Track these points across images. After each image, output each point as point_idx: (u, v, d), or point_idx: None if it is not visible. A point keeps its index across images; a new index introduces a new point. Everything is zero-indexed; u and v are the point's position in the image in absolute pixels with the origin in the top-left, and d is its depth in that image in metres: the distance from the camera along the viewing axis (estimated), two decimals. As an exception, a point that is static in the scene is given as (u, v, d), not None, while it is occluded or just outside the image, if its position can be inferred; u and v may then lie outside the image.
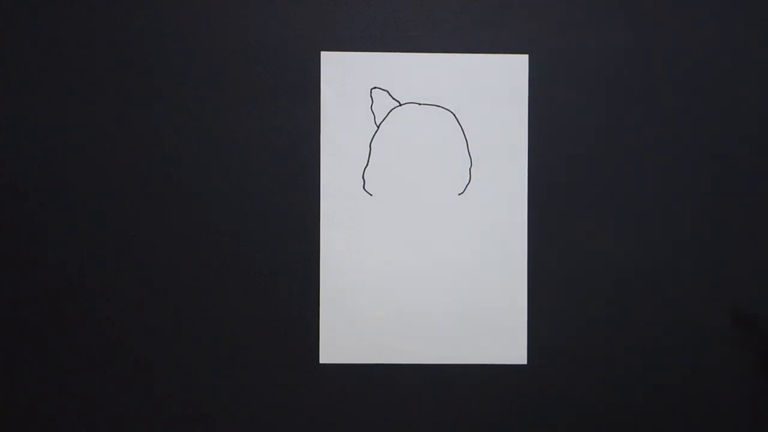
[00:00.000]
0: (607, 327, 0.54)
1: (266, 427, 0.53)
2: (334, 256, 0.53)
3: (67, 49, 0.53)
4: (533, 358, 0.54)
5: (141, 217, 0.53)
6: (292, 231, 0.53)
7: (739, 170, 0.54)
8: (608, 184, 0.53)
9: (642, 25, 0.54)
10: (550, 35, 0.54)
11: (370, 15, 0.54)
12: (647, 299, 0.53)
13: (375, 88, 0.53)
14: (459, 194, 0.54)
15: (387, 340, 0.53)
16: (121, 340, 0.53)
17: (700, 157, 0.54)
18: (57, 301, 0.53)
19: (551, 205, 0.52)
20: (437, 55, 0.53)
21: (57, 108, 0.53)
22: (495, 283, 0.54)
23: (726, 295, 0.53)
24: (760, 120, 0.54)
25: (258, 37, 0.53)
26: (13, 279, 0.53)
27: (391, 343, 0.53)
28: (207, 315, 0.53)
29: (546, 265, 0.54)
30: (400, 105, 0.54)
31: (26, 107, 0.53)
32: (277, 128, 0.53)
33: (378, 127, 0.54)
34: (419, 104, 0.54)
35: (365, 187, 0.54)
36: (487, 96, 0.53)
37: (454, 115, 0.54)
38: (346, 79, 0.53)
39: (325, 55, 0.53)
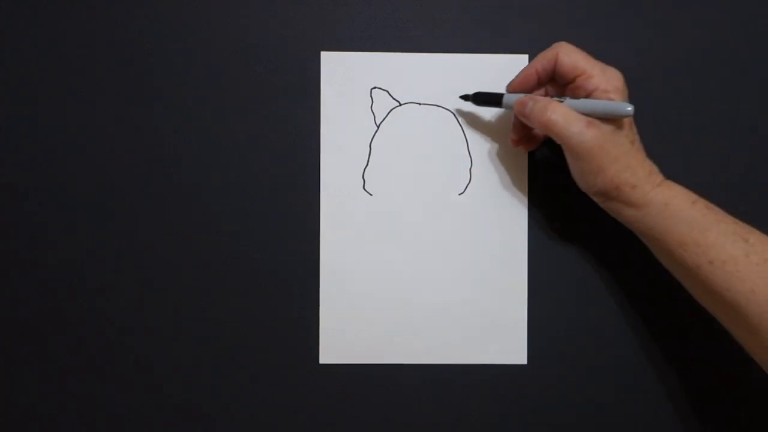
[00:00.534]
0: (607, 327, 0.54)
1: (266, 427, 0.53)
2: (334, 256, 0.53)
3: (67, 49, 0.53)
4: (533, 358, 0.54)
5: (141, 217, 0.53)
6: (292, 231, 0.53)
7: (740, 170, 0.54)
8: (608, 184, 0.53)
9: (642, 25, 0.54)
10: (550, 35, 0.54)
11: (370, 15, 0.54)
12: (647, 299, 0.53)
13: (375, 88, 0.53)
14: (459, 194, 0.54)
15: (387, 340, 0.53)
16: (121, 340, 0.53)
17: (701, 157, 0.54)
18: (57, 301, 0.53)
19: (551, 205, 0.51)
20: (437, 55, 0.53)
21: (57, 108, 0.53)
22: (495, 282, 0.54)
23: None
24: (761, 120, 0.54)
25: (258, 37, 0.53)
26: (13, 279, 0.53)
27: (391, 343, 0.53)
28: (207, 315, 0.53)
29: (546, 265, 0.54)
30: (400, 105, 0.54)
31: (26, 107, 0.53)
32: (277, 128, 0.53)
33: (378, 127, 0.54)
34: (419, 104, 0.54)
35: (365, 187, 0.54)
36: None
37: (454, 115, 0.54)
38: (346, 79, 0.53)
39: (325, 55, 0.53)
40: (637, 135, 0.47)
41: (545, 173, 0.54)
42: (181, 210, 0.53)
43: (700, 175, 0.54)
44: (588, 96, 0.46)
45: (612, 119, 0.45)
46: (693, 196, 0.46)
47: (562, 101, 0.47)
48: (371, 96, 0.53)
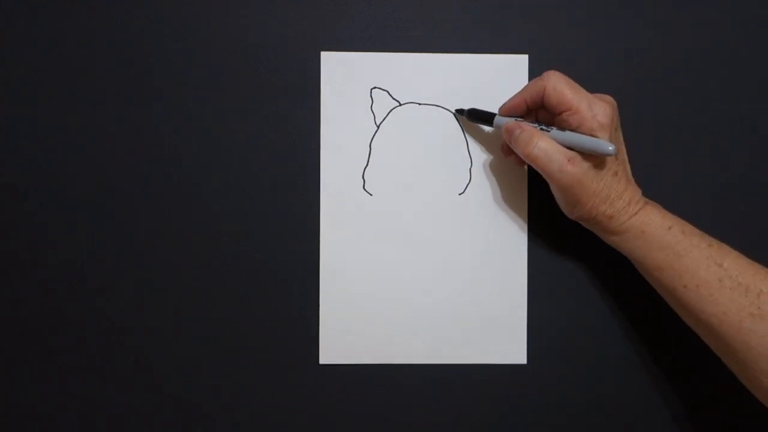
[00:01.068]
0: (607, 327, 0.54)
1: (266, 427, 0.53)
2: (334, 256, 0.53)
3: (67, 49, 0.53)
4: (533, 358, 0.54)
5: (141, 217, 0.53)
6: (292, 231, 0.53)
7: (740, 170, 0.54)
8: (608, 184, 0.53)
9: (642, 25, 0.54)
10: (550, 35, 0.54)
11: (370, 15, 0.54)
12: (647, 299, 0.53)
13: (375, 88, 0.53)
14: (459, 194, 0.54)
15: (387, 340, 0.53)
16: (121, 340, 0.53)
17: (701, 157, 0.54)
18: (57, 301, 0.53)
19: (551, 205, 0.51)
20: (437, 55, 0.53)
21: (57, 108, 0.53)
22: (495, 283, 0.54)
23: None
24: (761, 120, 0.54)
25: (258, 37, 0.53)
26: (13, 279, 0.53)
27: (391, 343, 0.53)
28: (207, 315, 0.53)
29: (546, 265, 0.54)
30: (400, 105, 0.54)
31: (26, 107, 0.53)
32: (277, 128, 0.53)
33: (378, 127, 0.54)
34: (419, 104, 0.54)
35: (365, 187, 0.54)
36: (487, 96, 0.53)
37: (454, 115, 0.54)
38: (346, 79, 0.53)
39: (325, 55, 0.53)
40: (624, 162, 0.48)
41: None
42: (181, 210, 0.53)
43: (700, 175, 0.54)
44: (574, 130, 0.47)
45: (594, 155, 0.46)
46: (669, 221, 0.47)
47: (549, 131, 0.47)
48: (371, 96, 0.53)
